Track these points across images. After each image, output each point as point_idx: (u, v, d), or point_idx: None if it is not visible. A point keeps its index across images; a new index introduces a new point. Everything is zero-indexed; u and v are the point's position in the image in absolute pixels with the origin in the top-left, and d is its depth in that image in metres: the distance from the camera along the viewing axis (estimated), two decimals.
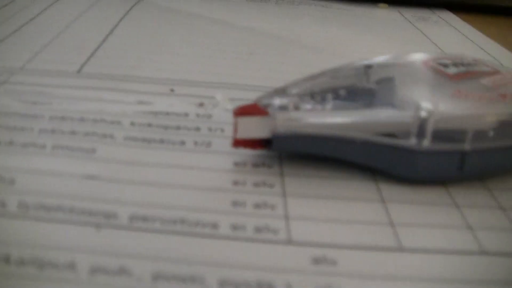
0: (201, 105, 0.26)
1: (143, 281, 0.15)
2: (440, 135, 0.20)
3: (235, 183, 0.20)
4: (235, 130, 0.21)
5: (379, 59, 0.24)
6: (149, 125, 0.24)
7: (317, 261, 0.17)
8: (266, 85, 0.25)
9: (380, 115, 0.20)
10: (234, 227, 0.18)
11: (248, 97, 0.23)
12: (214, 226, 0.18)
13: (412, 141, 0.20)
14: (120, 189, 0.19)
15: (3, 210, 0.18)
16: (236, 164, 0.21)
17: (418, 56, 0.24)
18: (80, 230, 0.17)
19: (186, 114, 0.25)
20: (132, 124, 0.24)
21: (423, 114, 0.20)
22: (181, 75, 0.29)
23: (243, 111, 0.21)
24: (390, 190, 0.21)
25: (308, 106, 0.21)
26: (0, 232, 0.17)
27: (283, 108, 0.21)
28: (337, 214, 0.19)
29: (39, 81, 0.27)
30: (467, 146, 0.20)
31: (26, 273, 0.15)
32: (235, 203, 0.19)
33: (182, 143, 0.22)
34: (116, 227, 0.17)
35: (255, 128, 0.21)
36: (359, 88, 0.22)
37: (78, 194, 0.19)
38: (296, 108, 0.21)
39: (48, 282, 0.15)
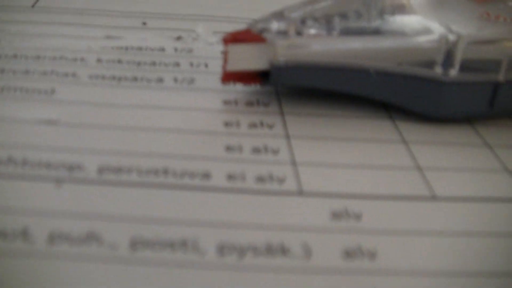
0: (179, 38, 0.22)
1: (118, 249, 0.12)
2: (469, 64, 0.17)
3: (227, 124, 0.17)
4: (225, 61, 0.17)
5: None
6: (119, 61, 0.20)
7: (337, 215, 0.13)
8: (253, 17, 0.22)
9: (399, 41, 0.17)
10: (231, 177, 0.14)
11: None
12: (206, 175, 0.14)
13: (437, 71, 0.17)
14: (86, 136, 0.16)
15: None
16: (226, 102, 0.18)
17: None
18: (36, 187, 0.13)
19: (162, 49, 0.21)
20: (99, 60, 0.20)
21: (451, 37, 0.17)
22: (153, 7, 0.25)
23: (235, 38, 0.17)
24: (410, 130, 0.17)
25: (312, 31, 0.17)
26: None
27: (283, 33, 0.17)
28: (353, 158, 0.16)
29: None
30: (500, 77, 0.17)
31: None
32: (229, 148, 0.15)
33: (160, 80, 0.19)
34: (81, 182, 0.14)
35: (249, 58, 0.17)
36: (367, 12, 0.18)
37: (34, 143, 0.15)
38: (299, 33, 0.17)
39: None
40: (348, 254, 0.12)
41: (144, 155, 0.15)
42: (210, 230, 0.12)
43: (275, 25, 0.17)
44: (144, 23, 0.23)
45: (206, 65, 0.20)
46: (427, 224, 0.14)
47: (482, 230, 0.13)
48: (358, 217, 0.13)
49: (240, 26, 0.18)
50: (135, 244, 0.12)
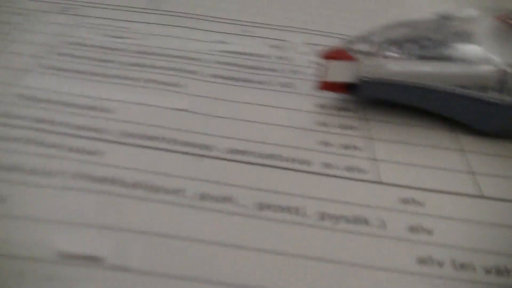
0: (279, 47, 0.27)
1: (249, 209, 0.16)
2: None
3: (321, 124, 0.21)
4: (324, 72, 0.21)
5: (454, 11, 0.24)
6: (232, 64, 0.25)
7: (406, 201, 0.18)
8: (339, 32, 0.26)
9: (463, 67, 0.21)
10: (326, 165, 0.19)
11: (323, 43, 0.25)
12: (307, 163, 0.19)
13: (493, 95, 0.21)
14: (214, 124, 0.20)
15: (105, 136, 0.19)
16: (319, 106, 0.22)
17: (490, 11, 0.24)
18: (186, 159, 0.18)
19: (267, 56, 0.26)
20: (216, 62, 0.25)
21: (506, 67, 0.21)
22: (255, 18, 0.30)
23: (332, 55, 0.21)
24: (469, 141, 0.21)
25: (392, 53, 0.21)
26: (109, 156, 0.18)
27: (369, 54, 0.21)
28: (421, 160, 0.20)
29: (113, 15, 0.28)
30: None
31: (139, 195, 0.16)
32: (323, 143, 0.20)
33: (266, 83, 0.23)
34: (217, 159, 0.18)
35: (343, 72, 0.21)
36: (437, 40, 0.22)
37: (176, 126, 0.20)
38: (382, 55, 0.21)
39: (159, 204, 0.16)
40: (412, 229, 0.17)
41: (260, 142, 0.19)
42: (313, 203, 0.17)
43: (364, 47, 0.21)
44: (246, 31, 0.28)
45: (303, 73, 0.24)
46: (474, 215, 0.18)
47: None
48: (421, 204, 0.18)
49: (327, 39, 0.22)
50: (261, 206, 0.17)
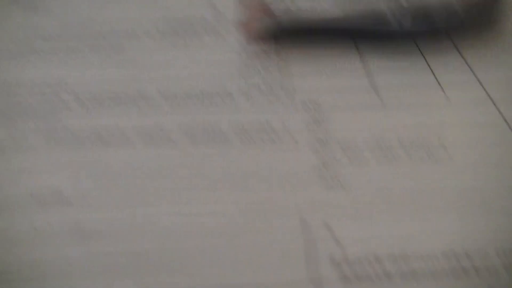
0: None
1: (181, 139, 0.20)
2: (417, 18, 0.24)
3: (245, 66, 0.25)
4: (246, 24, 0.25)
5: None
6: (166, 20, 0.28)
7: (316, 121, 0.21)
8: None
9: (365, 6, 0.24)
10: (245, 95, 0.23)
11: None
12: (230, 96, 0.23)
13: (394, 26, 0.24)
14: (152, 74, 0.24)
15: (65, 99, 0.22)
16: (244, 52, 0.26)
17: None
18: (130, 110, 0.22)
19: (200, 11, 0.29)
20: (153, 24, 0.28)
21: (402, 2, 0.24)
22: None
23: (252, 10, 0.25)
24: (374, 62, 0.25)
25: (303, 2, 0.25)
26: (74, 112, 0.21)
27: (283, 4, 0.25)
28: (331, 85, 0.23)
29: None
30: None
31: (99, 140, 0.20)
32: (245, 81, 0.23)
33: (198, 36, 0.27)
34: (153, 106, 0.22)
35: (261, 22, 0.25)
36: None
37: (122, 83, 0.23)
38: (293, 2, 0.25)
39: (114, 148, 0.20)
40: (319, 141, 0.20)
41: (190, 86, 0.23)
42: (234, 125, 0.21)
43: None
44: None
45: (230, 24, 0.28)
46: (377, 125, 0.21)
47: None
48: (329, 121, 0.21)
49: None
50: (191, 136, 0.20)
